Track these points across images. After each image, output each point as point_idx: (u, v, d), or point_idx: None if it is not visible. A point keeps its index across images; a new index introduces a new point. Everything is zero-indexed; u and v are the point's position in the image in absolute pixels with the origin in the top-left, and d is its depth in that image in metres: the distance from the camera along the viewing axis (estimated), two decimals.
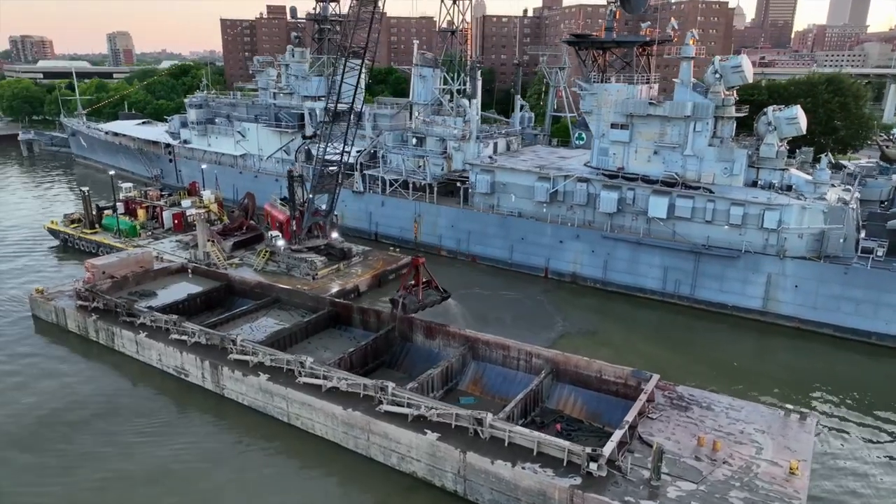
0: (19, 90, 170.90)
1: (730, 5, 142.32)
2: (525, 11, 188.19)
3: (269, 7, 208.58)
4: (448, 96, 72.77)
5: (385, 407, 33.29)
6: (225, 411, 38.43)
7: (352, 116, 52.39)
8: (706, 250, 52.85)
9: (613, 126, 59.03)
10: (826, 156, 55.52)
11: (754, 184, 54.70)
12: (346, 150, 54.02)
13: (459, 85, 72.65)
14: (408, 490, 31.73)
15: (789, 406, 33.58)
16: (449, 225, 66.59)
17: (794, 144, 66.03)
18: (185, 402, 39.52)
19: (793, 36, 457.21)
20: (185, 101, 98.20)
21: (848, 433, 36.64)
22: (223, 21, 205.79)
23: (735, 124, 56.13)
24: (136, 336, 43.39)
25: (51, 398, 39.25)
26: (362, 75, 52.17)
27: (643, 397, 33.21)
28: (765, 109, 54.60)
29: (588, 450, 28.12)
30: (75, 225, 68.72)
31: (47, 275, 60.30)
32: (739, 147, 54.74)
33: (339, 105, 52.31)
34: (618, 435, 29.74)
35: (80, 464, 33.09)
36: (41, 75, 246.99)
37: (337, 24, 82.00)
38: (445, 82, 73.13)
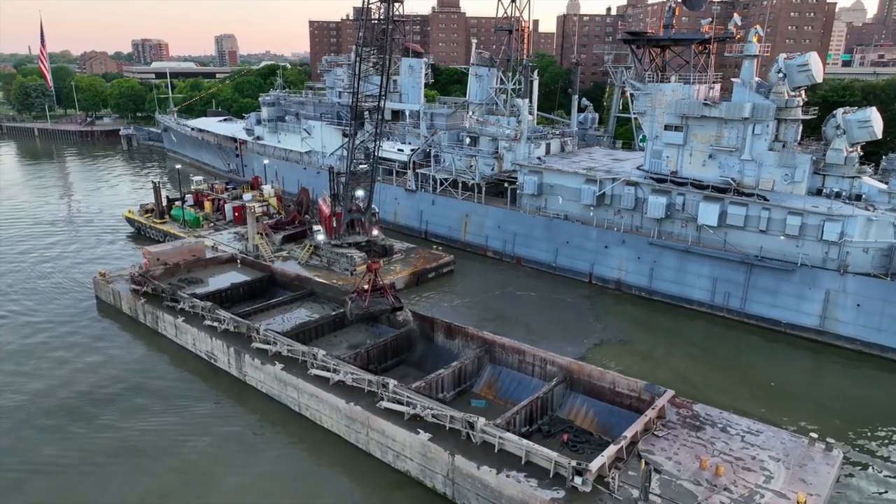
0: (125, 89, 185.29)
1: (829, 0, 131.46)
2: (608, 10, 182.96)
3: (354, 9, 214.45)
4: (503, 96, 71.97)
5: (384, 403, 33.42)
6: (245, 397, 39.93)
7: (379, 115, 52.94)
8: (759, 262, 49.30)
9: (667, 128, 56.34)
10: None
11: (819, 192, 50.58)
12: (376, 147, 54.83)
13: (515, 84, 71.64)
14: (399, 487, 31.70)
15: (814, 434, 30.56)
16: (495, 226, 65.87)
17: (887, 150, 60.41)
18: (210, 385, 41.36)
19: None
20: (259, 98, 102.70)
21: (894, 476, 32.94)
22: (311, 23, 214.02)
23: (801, 127, 52.07)
24: (175, 320, 45.91)
25: (89, 372, 42.26)
26: (386, 75, 52.49)
27: (651, 413, 31.50)
28: (834, 112, 50.24)
29: (574, 463, 26.98)
30: (148, 215, 73.70)
31: (118, 259, 64.90)
32: (804, 152, 50.72)
33: (366, 103, 53.16)
34: (612, 450, 28.36)
35: (97, 435, 35.38)
36: (153, 76, 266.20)
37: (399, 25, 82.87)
38: (502, 82, 72.36)
